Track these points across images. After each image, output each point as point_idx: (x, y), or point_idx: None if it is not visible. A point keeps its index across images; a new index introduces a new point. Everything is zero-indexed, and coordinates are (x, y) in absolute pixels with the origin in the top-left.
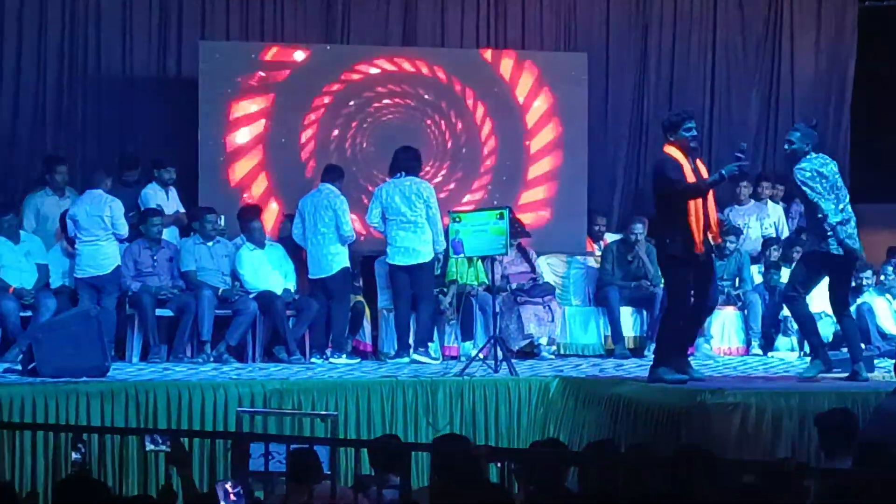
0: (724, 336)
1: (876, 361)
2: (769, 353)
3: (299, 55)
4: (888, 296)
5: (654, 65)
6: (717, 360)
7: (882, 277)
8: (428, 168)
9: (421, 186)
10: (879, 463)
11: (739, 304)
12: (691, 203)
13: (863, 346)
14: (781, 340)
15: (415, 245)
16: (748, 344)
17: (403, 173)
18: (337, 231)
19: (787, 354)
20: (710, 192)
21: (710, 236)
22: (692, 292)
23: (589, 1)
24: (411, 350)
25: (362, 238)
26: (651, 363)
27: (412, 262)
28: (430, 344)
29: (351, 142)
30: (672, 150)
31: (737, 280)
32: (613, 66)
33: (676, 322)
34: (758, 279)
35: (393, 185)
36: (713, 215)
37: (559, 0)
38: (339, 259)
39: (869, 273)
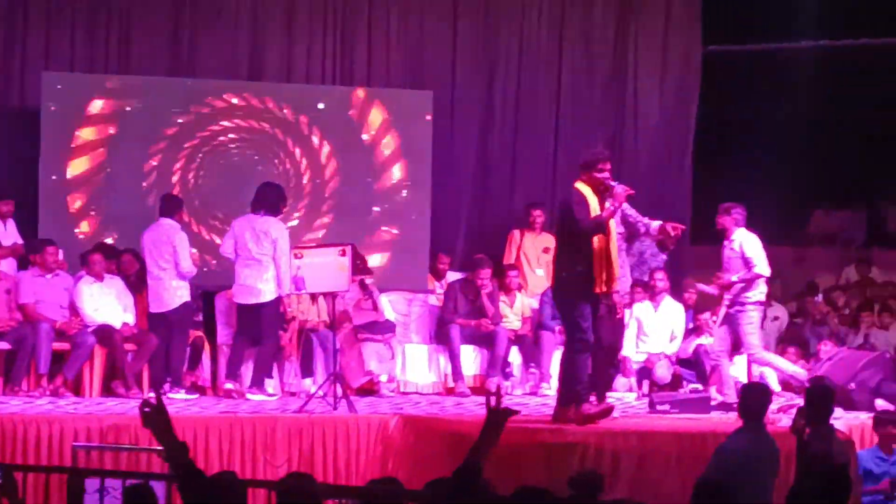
0: None
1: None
2: (607, 394)
3: (145, 87)
4: None
5: (500, 105)
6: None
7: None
8: None
9: (271, 226)
10: (717, 501)
11: None
12: (595, 241)
13: (700, 387)
14: (619, 381)
15: (256, 283)
16: None
17: (263, 210)
18: (176, 266)
19: (625, 395)
20: (614, 242)
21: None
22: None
23: (435, 40)
24: (230, 384)
25: (193, 273)
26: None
27: (252, 300)
28: (268, 380)
29: (195, 174)
30: (581, 187)
31: None
32: (459, 105)
33: (578, 357)
34: None
35: (246, 221)
36: (615, 262)
37: (406, 38)
38: (181, 293)
39: (707, 314)
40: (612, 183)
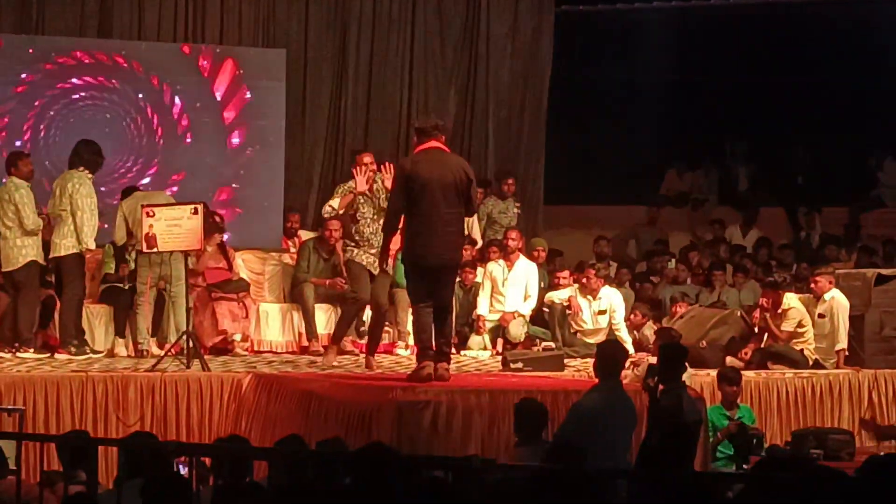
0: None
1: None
2: (461, 352)
3: None
4: (590, 297)
5: (353, 64)
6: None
7: (585, 280)
8: (122, 162)
9: (69, 180)
10: (569, 460)
11: None
12: None
13: (553, 345)
14: (473, 339)
15: (55, 238)
16: None
17: (82, 167)
18: (20, 224)
19: (480, 353)
20: None
21: None
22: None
23: None
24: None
25: (39, 228)
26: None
27: (53, 254)
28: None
29: (45, 133)
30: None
31: None
32: (312, 64)
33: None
34: None
35: (61, 178)
36: None
37: None
38: (26, 252)
39: (566, 273)
40: None
